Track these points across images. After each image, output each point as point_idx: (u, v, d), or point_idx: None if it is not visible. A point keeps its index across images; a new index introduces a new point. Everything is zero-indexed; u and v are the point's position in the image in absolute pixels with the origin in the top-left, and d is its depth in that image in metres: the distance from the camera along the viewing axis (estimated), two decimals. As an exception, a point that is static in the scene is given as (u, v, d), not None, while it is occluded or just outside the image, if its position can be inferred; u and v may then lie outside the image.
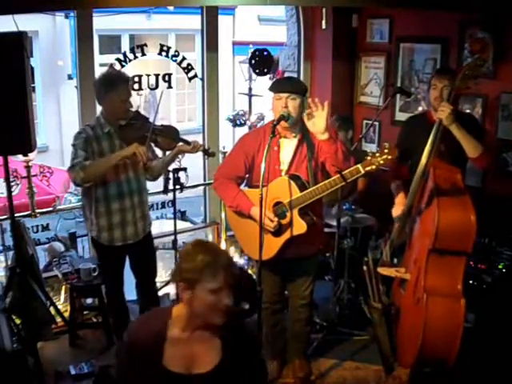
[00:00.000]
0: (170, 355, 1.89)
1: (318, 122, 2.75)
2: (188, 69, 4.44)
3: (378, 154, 2.62)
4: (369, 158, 2.64)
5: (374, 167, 2.62)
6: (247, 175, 3.15)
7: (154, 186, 3.71)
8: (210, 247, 1.92)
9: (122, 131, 3.21)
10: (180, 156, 3.51)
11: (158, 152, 3.55)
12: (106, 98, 3.18)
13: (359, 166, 2.67)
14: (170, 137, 3.30)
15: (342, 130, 4.21)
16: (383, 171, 3.49)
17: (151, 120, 3.33)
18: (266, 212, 2.84)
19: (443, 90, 3.10)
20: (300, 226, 2.92)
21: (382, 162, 2.61)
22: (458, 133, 2.98)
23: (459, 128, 2.97)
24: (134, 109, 3.34)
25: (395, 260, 3.36)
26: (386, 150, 2.61)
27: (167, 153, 3.48)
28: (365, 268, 3.36)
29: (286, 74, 5.29)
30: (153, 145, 3.40)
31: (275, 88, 2.95)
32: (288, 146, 3.02)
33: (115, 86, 3.12)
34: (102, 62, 6.02)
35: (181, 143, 3.34)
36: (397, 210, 3.29)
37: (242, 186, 3.21)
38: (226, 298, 1.85)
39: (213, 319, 1.87)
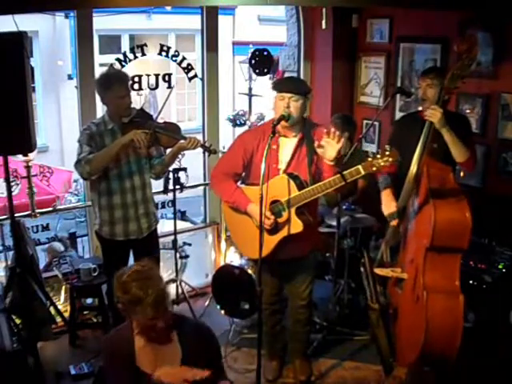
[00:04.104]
0: (141, 358, 2.16)
1: (330, 151, 2.72)
2: (188, 69, 4.44)
3: (379, 156, 2.58)
4: (370, 159, 2.60)
5: (374, 169, 2.59)
6: (244, 173, 3.14)
7: (154, 185, 3.70)
8: (143, 279, 2.07)
9: (125, 128, 3.25)
10: (180, 156, 3.51)
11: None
12: (105, 98, 3.26)
13: (360, 167, 2.64)
14: (171, 134, 3.30)
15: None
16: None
17: (155, 117, 3.36)
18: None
19: (427, 89, 3.13)
20: (297, 225, 2.91)
21: (383, 164, 2.57)
22: (448, 137, 3.00)
23: (450, 132, 2.99)
24: (138, 107, 3.38)
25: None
26: (387, 153, 2.57)
27: (168, 151, 3.49)
28: (362, 269, 3.36)
29: (286, 74, 5.29)
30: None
31: (278, 88, 2.94)
32: (287, 145, 3.01)
33: (111, 85, 3.20)
34: (101, 62, 6.01)
35: (182, 141, 3.34)
36: (389, 208, 3.18)
37: (239, 184, 3.19)
38: (160, 322, 2.06)
39: (153, 334, 2.11)
